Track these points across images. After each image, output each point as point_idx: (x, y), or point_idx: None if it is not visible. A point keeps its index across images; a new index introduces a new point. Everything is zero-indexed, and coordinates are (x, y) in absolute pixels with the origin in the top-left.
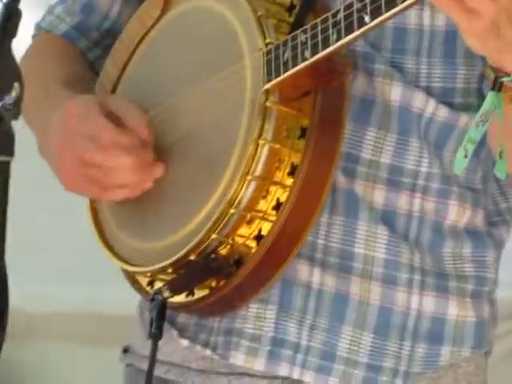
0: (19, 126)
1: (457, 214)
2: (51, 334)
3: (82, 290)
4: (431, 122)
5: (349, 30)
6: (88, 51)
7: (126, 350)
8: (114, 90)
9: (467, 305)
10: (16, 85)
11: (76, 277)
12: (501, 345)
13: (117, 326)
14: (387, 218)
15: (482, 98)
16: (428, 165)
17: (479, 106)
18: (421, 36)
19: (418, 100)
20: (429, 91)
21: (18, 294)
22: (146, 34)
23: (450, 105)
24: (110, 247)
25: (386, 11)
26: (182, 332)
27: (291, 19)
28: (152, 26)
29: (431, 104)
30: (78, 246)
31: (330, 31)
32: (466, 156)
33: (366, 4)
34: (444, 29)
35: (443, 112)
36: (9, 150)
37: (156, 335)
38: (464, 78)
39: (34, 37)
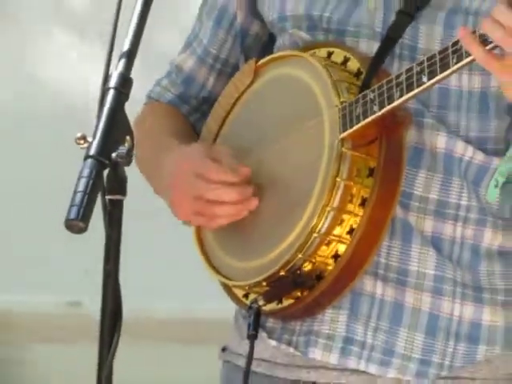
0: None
1: (491, 238)
2: (161, 336)
3: (177, 300)
4: (470, 165)
5: (409, 88)
6: (189, 115)
7: (224, 349)
8: (214, 141)
9: (498, 312)
10: (128, 138)
11: (173, 291)
12: None
13: (207, 329)
14: (435, 243)
15: (509, 144)
16: (467, 199)
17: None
18: (460, 95)
19: (459, 147)
20: (467, 140)
21: (126, 306)
22: (239, 97)
23: (485, 150)
24: (214, 266)
25: (440, 73)
26: (270, 334)
27: (359, 83)
28: (244, 91)
29: (469, 150)
30: (177, 265)
31: (394, 90)
32: (496, 186)
33: (424, 67)
34: (479, 90)
35: (479, 156)
36: (123, 190)
37: (253, 336)
38: (495, 129)
39: (145, 104)
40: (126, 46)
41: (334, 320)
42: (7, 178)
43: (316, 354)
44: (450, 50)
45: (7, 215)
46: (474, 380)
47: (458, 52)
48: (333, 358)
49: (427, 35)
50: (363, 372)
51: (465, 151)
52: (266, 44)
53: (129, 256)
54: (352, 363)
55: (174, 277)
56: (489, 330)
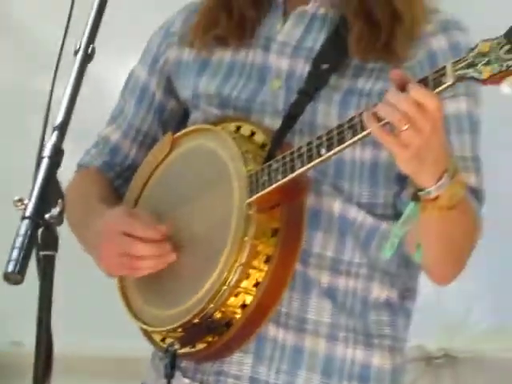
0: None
1: (378, 291)
2: (94, 372)
3: (110, 337)
4: (361, 227)
5: (310, 159)
6: (114, 180)
7: None
8: (136, 203)
9: (385, 356)
10: (60, 201)
11: (101, 329)
12: None
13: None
14: (331, 294)
15: (396, 210)
16: (359, 257)
17: (395, 216)
18: (353, 165)
19: (352, 211)
20: (359, 205)
21: (59, 342)
22: (158, 165)
23: (374, 215)
24: (135, 314)
25: (337, 146)
26: (185, 373)
27: (264, 154)
28: (163, 160)
29: (361, 214)
30: (105, 308)
31: (296, 161)
32: (392, 246)
33: (323, 141)
34: (370, 161)
35: (369, 220)
36: (54, 247)
37: (170, 376)
38: (384, 196)
39: (76, 172)
40: (58, 119)
41: (240, 362)
42: None
43: None
44: (345, 126)
45: None
46: None
47: (353, 128)
48: None
49: (324, 114)
50: None
51: (357, 215)
52: (181, 118)
53: (63, 295)
54: None
55: (106, 314)
56: (378, 371)
